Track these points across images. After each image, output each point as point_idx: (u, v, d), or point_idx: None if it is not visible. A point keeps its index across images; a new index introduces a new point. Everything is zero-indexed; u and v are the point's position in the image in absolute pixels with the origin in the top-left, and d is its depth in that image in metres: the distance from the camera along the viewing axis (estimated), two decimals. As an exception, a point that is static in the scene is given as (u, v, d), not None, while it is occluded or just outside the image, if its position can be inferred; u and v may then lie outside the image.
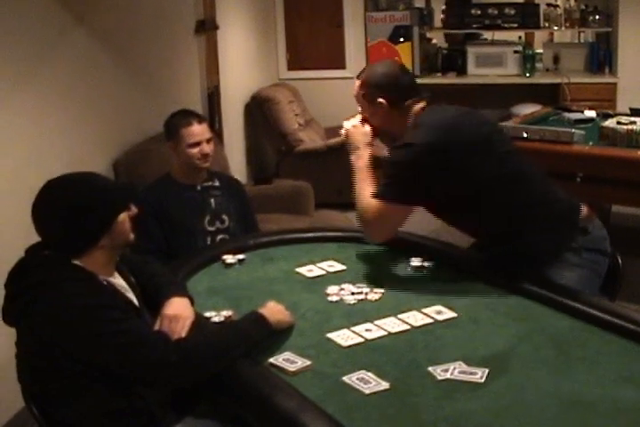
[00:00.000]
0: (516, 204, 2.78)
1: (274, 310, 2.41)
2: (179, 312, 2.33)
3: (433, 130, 2.72)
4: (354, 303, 2.61)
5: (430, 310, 2.52)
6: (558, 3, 7.48)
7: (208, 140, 3.49)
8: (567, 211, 2.86)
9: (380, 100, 2.83)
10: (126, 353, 2.09)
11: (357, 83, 2.92)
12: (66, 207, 2.16)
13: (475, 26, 7.50)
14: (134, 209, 2.28)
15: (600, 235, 2.93)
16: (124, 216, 2.23)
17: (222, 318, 2.47)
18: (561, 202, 2.87)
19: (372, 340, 2.34)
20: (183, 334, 2.27)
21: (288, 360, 2.21)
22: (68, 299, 2.09)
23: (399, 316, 2.48)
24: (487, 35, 8.01)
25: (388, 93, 2.84)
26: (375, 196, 2.75)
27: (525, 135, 4.53)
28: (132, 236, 2.29)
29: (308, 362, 2.20)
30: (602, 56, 7.22)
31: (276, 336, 2.37)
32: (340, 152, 6.32)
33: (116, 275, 2.32)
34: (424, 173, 2.68)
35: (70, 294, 2.10)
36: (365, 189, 2.81)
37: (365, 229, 2.86)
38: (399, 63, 3.10)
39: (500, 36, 7.83)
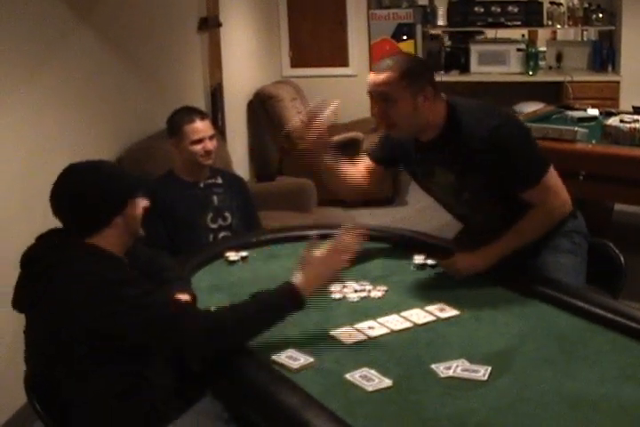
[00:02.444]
0: None
1: (316, 273, 2.35)
2: None
3: (499, 110, 2.80)
4: (357, 301, 2.62)
5: (433, 308, 2.52)
6: (561, 1, 7.48)
7: (211, 137, 3.49)
8: None
9: (429, 88, 2.65)
10: (164, 324, 2.13)
11: (389, 75, 2.61)
12: (85, 186, 2.23)
13: (478, 24, 7.50)
14: (146, 202, 2.33)
15: (583, 220, 2.97)
16: (138, 201, 2.30)
17: (225, 315, 2.47)
18: None
19: (375, 337, 2.34)
20: None
21: (291, 357, 2.21)
22: (93, 274, 2.12)
23: (402, 313, 2.48)
24: (490, 33, 8.01)
25: (431, 82, 2.69)
26: (538, 179, 2.70)
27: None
28: (140, 228, 2.34)
29: (311, 359, 2.20)
30: (605, 54, 7.22)
31: (279, 333, 2.37)
32: (343, 150, 6.37)
33: None
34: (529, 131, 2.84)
35: (96, 269, 2.13)
36: (522, 233, 2.76)
37: (559, 211, 2.79)
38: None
39: (503, 34, 7.83)
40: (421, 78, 2.65)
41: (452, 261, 2.78)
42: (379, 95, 2.65)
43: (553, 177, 2.74)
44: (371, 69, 2.72)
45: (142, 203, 2.32)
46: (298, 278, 2.32)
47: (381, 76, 2.62)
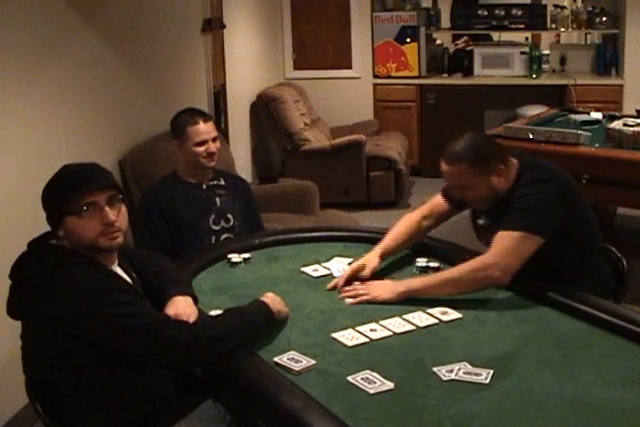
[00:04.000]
0: (582, 249, 2.85)
1: (274, 300, 2.47)
2: (180, 311, 2.33)
3: (554, 171, 2.83)
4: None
5: (435, 311, 2.52)
6: (565, 4, 7.48)
7: (214, 139, 3.49)
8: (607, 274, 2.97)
9: (501, 166, 2.75)
10: (141, 335, 2.13)
11: (460, 167, 2.72)
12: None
13: (482, 27, 7.50)
14: (110, 215, 2.19)
15: None
16: (70, 219, 2.17)
17: (227, 317, 2.48)
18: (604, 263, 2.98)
19: (377, 340, 2.34)
20: None
21: (293, 359, 2.21)
22: (76, 282, 2.11)
23: (404, 316, 2.49)
24: (494, 35, 8.01)
25: (500, 158, 2.77)
26: (520, 228, 2.63)
27: (531, 136, 4.53)
28: (101, 240, 2.19)
29: (313, 361, 2.20)
30: (608, 58, 7.22)
31: (281, 335, 2.38)
32: (346, 152, 6.40)
33: (118, 268, 2.33)
34: (563, 207, 2.73)
35: (78, 278, 2.12)
36: (457, 269, 2.66)
37: (489, 273, 2.60)
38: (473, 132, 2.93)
39: (506, 37, 7.83)
40: (491, 160, 2.74)
41: (376, 281, 2.74)
42: (454, 184, 2.81)
43: (528, 246, 2.64)
44: (442, 155, 2.79)
45: (101, 218, 2.18)
46: (266, 298, 2.47)
47: (454, 169, 2.74)
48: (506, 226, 2.67)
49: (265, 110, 6.66)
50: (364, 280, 2.75)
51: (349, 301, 2.65)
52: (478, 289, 2.63)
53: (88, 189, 2.17)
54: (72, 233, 2.19)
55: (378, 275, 2.84)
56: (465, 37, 7.94)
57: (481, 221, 2.95)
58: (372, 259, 2.84)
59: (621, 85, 6.93)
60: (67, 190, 2.18)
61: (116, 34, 4.27)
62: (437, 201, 3.06)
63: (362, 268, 2.79)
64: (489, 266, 2.60)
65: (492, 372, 2.13)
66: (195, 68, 5.45)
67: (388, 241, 2.95)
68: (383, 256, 2.88)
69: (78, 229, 2.18)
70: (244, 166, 6.29)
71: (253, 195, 3.78)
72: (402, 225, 3.04)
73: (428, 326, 2.43)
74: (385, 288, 2.65)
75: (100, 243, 2.20)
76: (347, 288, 2.71)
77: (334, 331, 2.40)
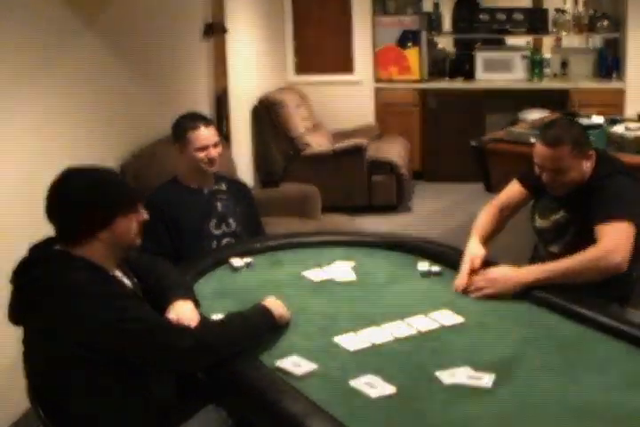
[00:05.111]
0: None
1: (276, 305, 2.47)
2: (182, 315, 2.34)
3: (624, 165, 2.98)
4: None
5: (437, 315, 2.52)
6: (566, 8, 7.48)
7: (215, 144, 3.48)
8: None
9: (591, 151, 2.87)
10: (143, 339, 2.13)
11: (562, 149, 2.80)
12: (74, 198, 2.19)
13: (483, 31, 7.50)
14: (144, 214, 2.30)
15: None
16: (130, 217, 2.23)
17: (229, 322, 2.48)
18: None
19: (379, 344, 2.34)
20: None
21: (295, 364, 2.21)
22: (78, 287, 2.11)
23: (406, 320, 2.48)
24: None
25: (590, 142, 2.91)
26: (617, 217, 2.70)
27: (533, 141, 4.52)
28: (137, 240, 2.29)
29: (315, 366, 2.20)
30: (610, 62, 7.22)
31: (283, 339, 2.38)
32: (347, 156, 6.40)
33: (120, 274, 2.33)
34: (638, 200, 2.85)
35: (80, 284, 2.12)
36: (575, 258, 2.69)
37: (611, 259, 2.64)
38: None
39: (507, 41, 7.83)
40: (586, 144, 2.87)
41: (496, 271, 2.73)
42: (550, 167, 2.84)
43: (629, 232, 2.70)
44: (541, 139, 2.88)
45: (138, 217, 2.26)
46: (268, 302, 2.48)
47: (556, 152, 2.81)
48: (609, 216, 2.71)
49: (266, 115, 6.66)
50: (478, 270, 2.76)
51: (473, 295, 2.68)
52: (598, 277, 2.66)
53: (137, 191, 2.31)
54: (120, 234, 2.22)
55: (378, 278, 2.84)
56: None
57: (537, 224, 3.05)
58: (477, 248, 2.87)
59: (623, 89, 6.93)
60: (124, 192, 2.26)
61: (117, 38, 4.28)
62: (513, 191, 3.12)
63: (472, 260, 2.80)
64: (609, 252, 2.64)
65: (494, 376, 2.12)
66: (196, 72, 5.45)
67: (480, 229, 2.98)
68: (483, 243, 2.91)
69: (127, 230, 2.23)
70: (245, 171, 6.29)
71: (255, 199, 3.78)
72: (487, 215, 3.06)
73: (430, 331, 2.43)
74: (509, 283, 2.67)
75: (136, 242, 2.29)
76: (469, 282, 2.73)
77: (336, 335, 2.40)
